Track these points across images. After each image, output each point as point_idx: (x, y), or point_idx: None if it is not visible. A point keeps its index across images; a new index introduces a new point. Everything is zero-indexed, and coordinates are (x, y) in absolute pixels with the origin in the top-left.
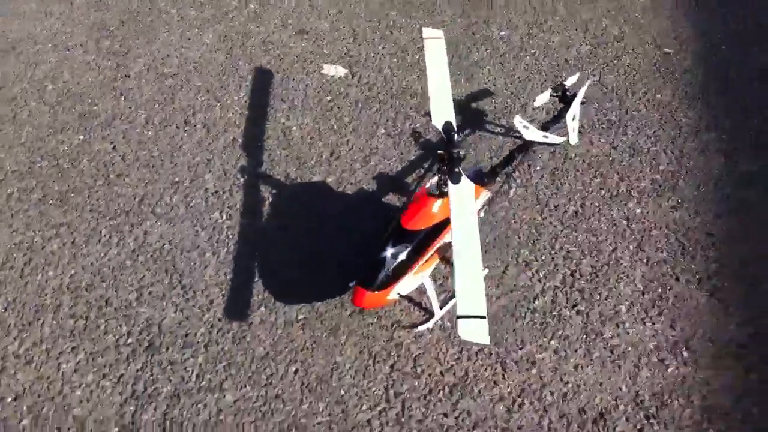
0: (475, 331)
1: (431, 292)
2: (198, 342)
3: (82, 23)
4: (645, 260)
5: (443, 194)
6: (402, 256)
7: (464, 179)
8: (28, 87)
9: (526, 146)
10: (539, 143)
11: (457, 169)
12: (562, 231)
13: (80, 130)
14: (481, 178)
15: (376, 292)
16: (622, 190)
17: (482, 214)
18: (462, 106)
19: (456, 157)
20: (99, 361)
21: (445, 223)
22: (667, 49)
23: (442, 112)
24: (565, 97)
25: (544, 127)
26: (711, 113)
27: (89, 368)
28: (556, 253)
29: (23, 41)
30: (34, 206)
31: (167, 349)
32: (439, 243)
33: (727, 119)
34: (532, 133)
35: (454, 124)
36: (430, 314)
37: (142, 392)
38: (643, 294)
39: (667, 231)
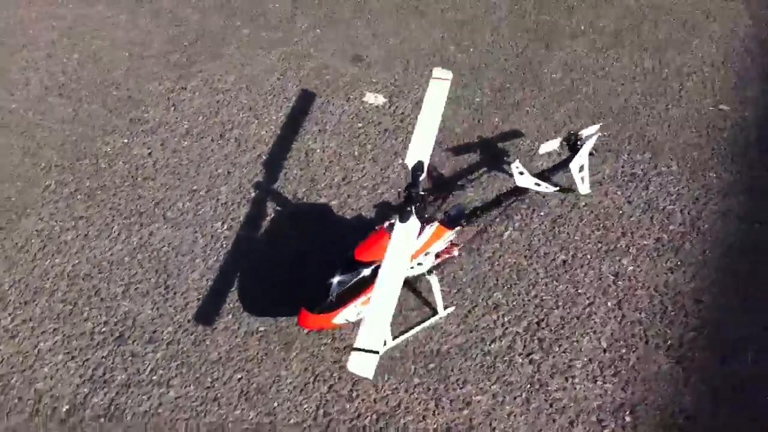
0: (364, 365)
1: None
2: (162, 339)
3: (160, 36)
4: (619, 318)
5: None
6: (348, 285)
7: (413, 219)
8: (96, 90)
9: (516, 192)
10: (530, 190)
11: (408, 208)
12: (542, 279)
13: (126, 134)
14: (456, 220)
15: (319, 315)
16: (621, 245)
17: (455, 252)
18: (487, 144)
19: (411, 196)
20: (72, 344)
21: None
22: (723, 106)
23: (419, 152)
24: (575, 147)
25: (542, 175)
26: (746, 177)
27: (62, 349)
28: (529, 300)
29: (104, 49)
30: (64, 199)
31: (134, 341)
32: None
33: (760, 185)
34: (525, 180)
35: (425, 167)
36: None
37: (99, 377)
38: (604, 352)
39: (654, 292)
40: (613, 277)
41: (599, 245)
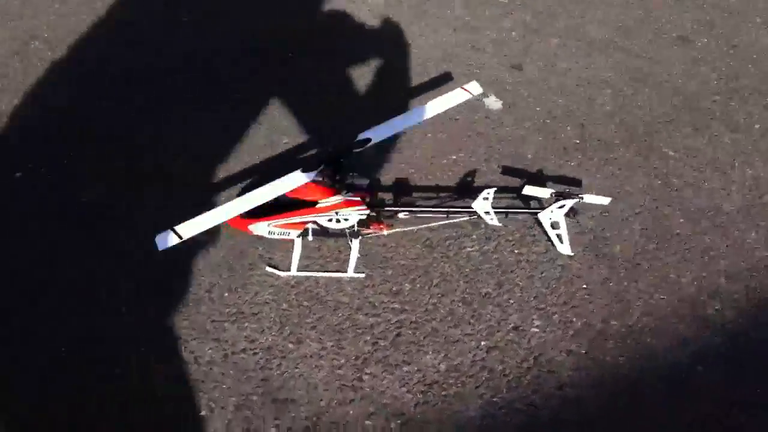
0: (166, 241)
1: (296, 252)
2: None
3: None
4: (479, 359)
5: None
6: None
7: (311, 174)
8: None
9: (467, 211)
10: (474, 215)
11: (321, 167)
12: (455, 296)
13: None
14: (380, 205)
15: (241, 219)
16: (549, 310)
17: (385, 232)
18: (521, 171)
19: (329, 158)
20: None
21: (308, 203)
22: None
23: (379, 132)
24: (556, 202)
25: (504, 212)
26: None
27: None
28: (426, 304)
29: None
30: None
31: (94, 144)
32: (300, 216)
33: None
34: (480, 205)
35: (368, 145)
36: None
37: (50, 155)
38: (436, 372)
39: (532, 359)
40: (512, 327)
41: (532, 300)
